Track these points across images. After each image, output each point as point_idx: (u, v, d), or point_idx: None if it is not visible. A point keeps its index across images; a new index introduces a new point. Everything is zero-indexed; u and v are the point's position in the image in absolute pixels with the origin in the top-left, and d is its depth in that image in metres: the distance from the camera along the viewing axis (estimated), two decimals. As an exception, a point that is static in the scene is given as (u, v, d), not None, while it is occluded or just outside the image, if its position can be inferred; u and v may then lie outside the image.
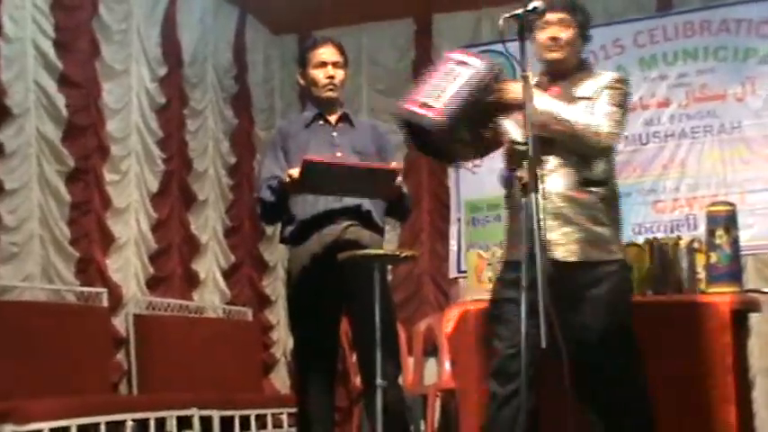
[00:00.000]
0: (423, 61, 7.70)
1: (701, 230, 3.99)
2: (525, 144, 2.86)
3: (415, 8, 7.63)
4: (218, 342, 6.53)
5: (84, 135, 5.80)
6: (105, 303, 5.79)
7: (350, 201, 3.72)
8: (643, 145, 6.79)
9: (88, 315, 5.65)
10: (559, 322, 2.97)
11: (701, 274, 3.82)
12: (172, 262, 6.62)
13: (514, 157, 3.18)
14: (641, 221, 6.68)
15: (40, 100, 5.52)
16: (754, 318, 4.12)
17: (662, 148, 6.84)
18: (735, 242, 3.75)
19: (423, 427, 5.87)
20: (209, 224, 7.05)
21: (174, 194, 6.66)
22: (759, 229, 6.39)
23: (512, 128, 3.30)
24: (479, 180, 6.82)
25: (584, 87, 3.32)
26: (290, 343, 5.38)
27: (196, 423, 5.65)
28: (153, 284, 6.38)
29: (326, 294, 3.69)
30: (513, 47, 2.91)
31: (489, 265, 4.29)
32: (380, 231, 3.83)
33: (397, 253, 4.03)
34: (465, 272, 6.56)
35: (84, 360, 5.38)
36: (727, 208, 3.84)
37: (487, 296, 3.52)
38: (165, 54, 6.59)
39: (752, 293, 4.06)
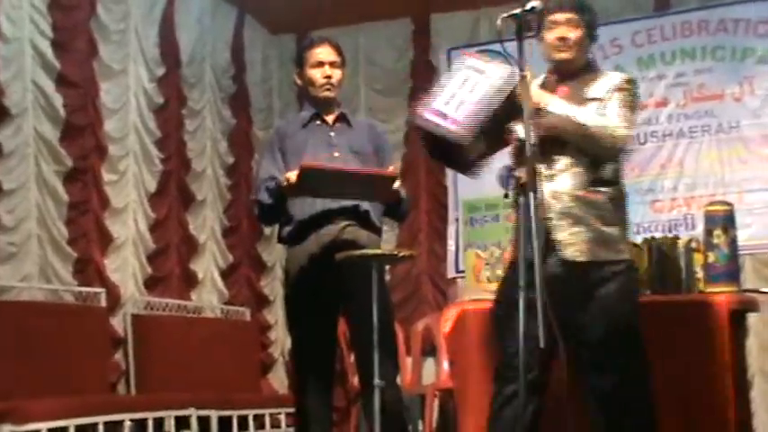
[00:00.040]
0: (421, 61, 7.73)
1: (699, 230, 3.99)
2: (534, 144, 2.87)
3: (413, 8, 7.63)
4: (216, 342, 6.53)
5: (81, 135, 5.80)
6: (103, 303, 5.79)
7: (348, 201, 3.72)
8: (641, 144, 6.79)
9: (86, 315, 5.64)
10: (561, 322, 2.99)
11: (699, 274, 3.83)
12: (170, 262, 6.62)
13: (523, 157, 3.19)
14: (639, 221, 6.67)
15: (38, 100, 5.51)
16: (752, 317, 4.13)
17: (660, 148, 6.84)
18: (733, 242, 3.76)
19: (421, 427, 5.87)
20: (207, 224, 7.05)
21: (173, 194, 6.66)
22: (757, 229, 6.40)
23: (520, 127, 3.30)
24: (477, 180, 6.78)
25: (595, 88, 3.33)
26: (288, 343, 5.39)
27: (194, 423, 5.65)
28: (151, 284, 6.38)
29: (324, 294, 3.69)
30: (513, 46, 2.92)
31: (487, 264, 4.30)
32: (378, 231, 3.83)
33: (395, 253, 4.03)
34: (463, 272, 6.58)
35: (83, 360, 5.38)
36: (725, 208, 3.84)
37: (485, 296, 3.52)
38: (162, 54, 6.58)
39: (750, 293, 4.06)
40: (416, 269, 7.42)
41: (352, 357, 4.03)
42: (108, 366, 5.79)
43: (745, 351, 3.94)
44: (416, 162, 7.59)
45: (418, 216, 7.46)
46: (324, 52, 3.85)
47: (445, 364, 5.56)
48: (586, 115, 3.20)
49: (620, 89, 3.31)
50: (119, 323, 6.02)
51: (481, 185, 6.73)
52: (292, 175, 3.51)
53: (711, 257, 3.74)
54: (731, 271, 3.76)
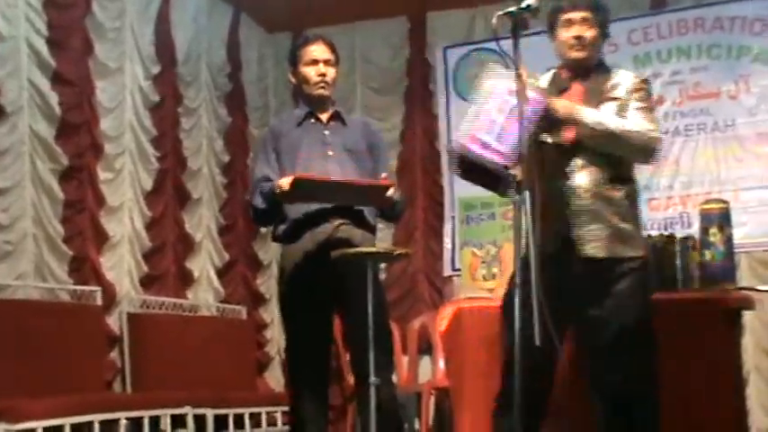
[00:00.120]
0: (417, 59, 7.73)
1: (695, 228, 3.99)
2: (531, 143, 2.88)
3: (409, 6, 7.63)
4: (212, 340, 6.53)
5: (77, 133, 5.79)
6: (99, 302, 5.78)
7: (341, 202, 3.74)
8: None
9: (82, 313, 5.63)
10: (577, 318, 3.00)
11: (695, 272, 3.83)
12: (166, 260, 6.61)
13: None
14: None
15: (34, 98, 5.50)
16: (747, 315, 4.13)
17: (656, 146, 6.84)
18: (728, 240, 3.76)
19: (417, 425, 5.88)
20: (203, 222, 7.04)
21: (168, 193, 6.65)
22: (752, 227, 6.41)
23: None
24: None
25: (612, 87, 3.35)
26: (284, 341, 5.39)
27: (190, 422, 5.64)
28: (147, 283, 6.38)
29: (319, 291, 3.69)
30: (509, 44, 2.92)
31: (483, 262, 4.31)
32: (372, 230, 3.84)
33: (391, 251, 4.03)
34: (459, 270, 6.59)
35: (78, 358, 5.37)
36: (721, 206, 3.84)
37: (481, 293, 3.53)
38: (158, 52, 6.57)
39: (745, 291, 4.07)
40: (412, 267, 7.42)
41: (348, 355, 4.03)
42: (104, 365, 5.78)
43: (741, 349, 3.94)
44: (413, 160, 7.60)
45: (414, 214, 7.46)
46: (318, 50, 3.85)
47: (441, 363, 5.56)
48: (617, 122, 3.24)
49: (637, 90, 3.35)
50: (114, 321, 6.01)
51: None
52: (285, 183, 3.51)
53: (707, 256, 3.75)
54: (727, 269, 3.77)
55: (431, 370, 6.06)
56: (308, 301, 3.70)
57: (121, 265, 6.14)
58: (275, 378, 7.58)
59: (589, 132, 3.20)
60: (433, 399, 5.82)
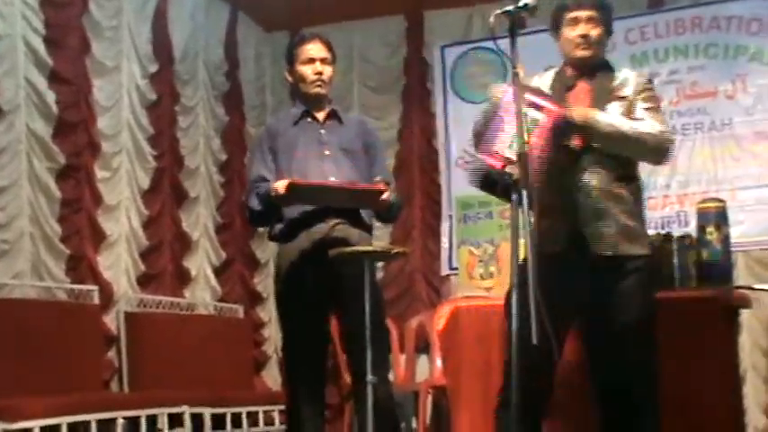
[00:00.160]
0: (414, 58, 7.73)
1: (692, 227, 3.99)
2: (527, 142, 2.87)
3: (407, 5, 7.63)
4: (209, 339, 6.52)
5: (74, 132, 5.78)
6: (96, 301, 5.77)
7: (337, 203, 3.75)
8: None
9: (79, 312, 5.63)
10: (584, 316, 3.00)
11: (692, 271, 3.83)
12: (163, 259, 6.61)
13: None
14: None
15: (31, 97, 5.49)
16: (744, 314, 4.14)
17: (653, 145, 6.84)
18: (725, 239, 3.76)
19: (414, 424, 5.88)
20: (200, 221, 7.04)
21: (166, 191, 6.65)
22: (749, 226, 6.41)
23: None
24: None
25: (618, 86, 3.36)
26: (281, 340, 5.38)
27: (187, 421, 5.64)
28: (144, 282, 6.37)
29: (315, 290, 3.69)
30: (506, 43, 2.92)
31: (480, 261, 4.30)
32: (369, 230, 3.84)
33: (388, 249, 4.03)
34: (456, 269, 6.58)
35: (75, 358, 5.36)
36: (718, 205, 3.85)
37: (478, 292, 3.53)
38: (155, 51, 6.57)
39: (742, 290, 4.07)
40: (410, 266, 7.42)
41: (345, 354, 4.03)
42: (101, 364, 5.77)
43: (738, 347, 3.95)
44: (410, 159, 7.61)
45: (412, 213, 7.46)
46: (314, 49, 3.85)
47: (438, 362, 5.56)
48: (631, 124, 3.24)
49: (644, 91, 3.36)
50: (112, 320, 6.01)
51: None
52: (281, 187, 3.51)
53: (704, 254, 3.75)
54: (724, 268, 3.77)
55: (428, 369, 6.07)
56: (304, 301, 3.70)
57: (118, 264, 6.13)
58: (272, 377, 7.58)
59: (604, 137, 3.20)
60: (430, 397, 5.83)
